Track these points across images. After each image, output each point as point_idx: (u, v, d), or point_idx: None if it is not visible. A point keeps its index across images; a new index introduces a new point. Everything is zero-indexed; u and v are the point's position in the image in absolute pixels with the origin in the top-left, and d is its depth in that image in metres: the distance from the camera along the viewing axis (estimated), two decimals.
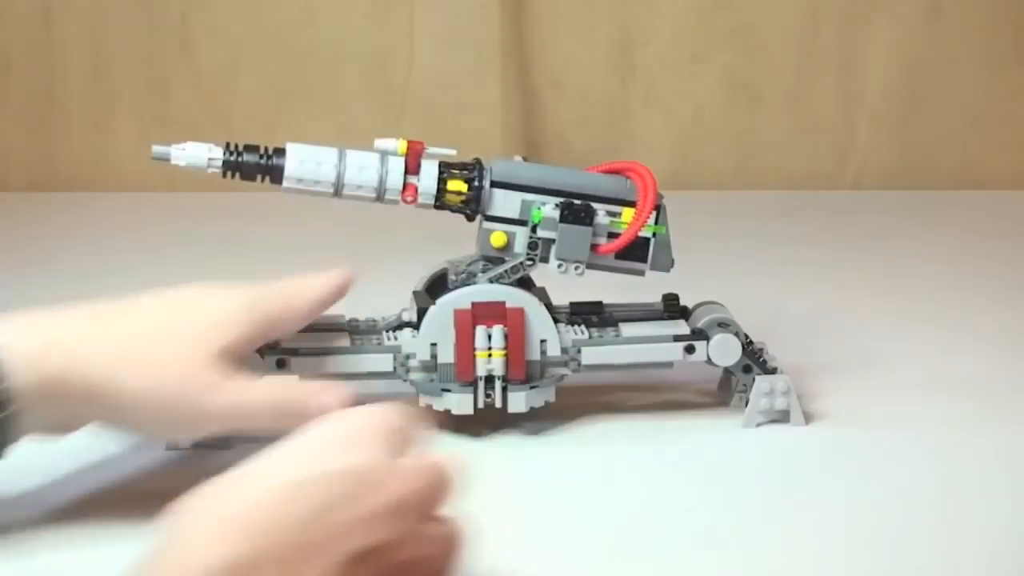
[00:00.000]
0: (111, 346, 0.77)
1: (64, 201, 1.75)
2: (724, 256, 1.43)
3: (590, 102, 1.84)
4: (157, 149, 0.90)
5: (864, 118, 1.86)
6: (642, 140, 1.82)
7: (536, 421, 0.94)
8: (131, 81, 1.81)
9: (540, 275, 0.93)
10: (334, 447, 0.59)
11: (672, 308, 0.97)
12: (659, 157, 1.76)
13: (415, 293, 0.95)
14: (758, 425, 0.94)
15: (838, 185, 1.87)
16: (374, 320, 0.95)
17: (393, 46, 1.81)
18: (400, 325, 0.93)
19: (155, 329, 0.78)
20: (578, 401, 0.98)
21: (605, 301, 0.98)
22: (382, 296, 0.99)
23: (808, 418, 0.95)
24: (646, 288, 0.97)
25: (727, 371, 0.97)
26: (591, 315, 0.96)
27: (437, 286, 0.94)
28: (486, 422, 0.93)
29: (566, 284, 0.93)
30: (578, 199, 0.90)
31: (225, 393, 0.78)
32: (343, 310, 0.95)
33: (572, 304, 0.97)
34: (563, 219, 0.90)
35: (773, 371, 0.95)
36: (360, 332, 0.93)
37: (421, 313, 0.91)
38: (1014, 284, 1.35)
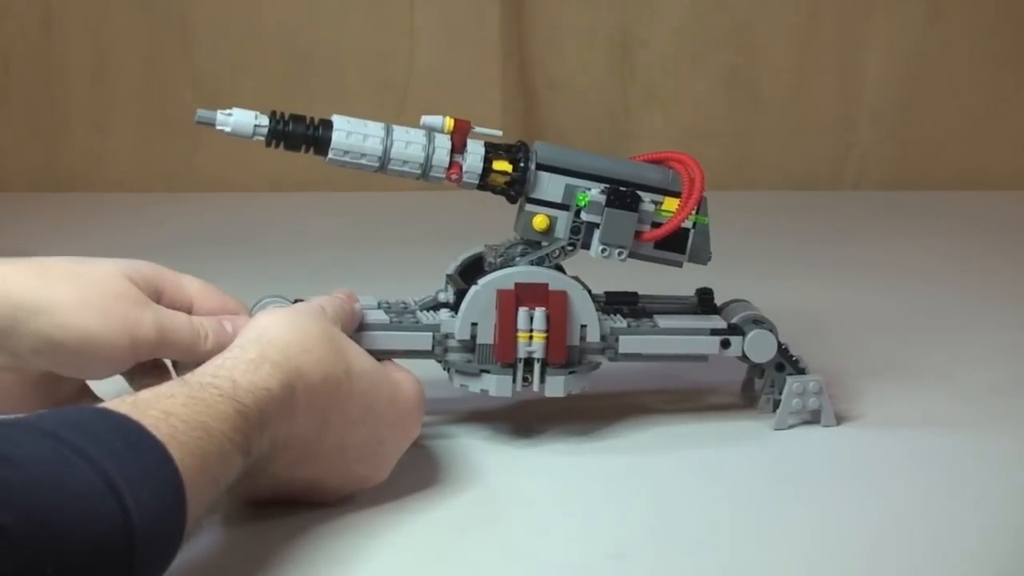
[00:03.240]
0: (33, 272, 0.77)
1: (64, 201, 1.75)
2: (723, 256, 1.43)
3: (590, 102, 1.84)
4: (202, 113, 0.86)
5: (864, 118, 1.87)
6: (642, 140, 1.82)
7: (559, 424, 0.93)
8: (131, 81, 1.81)
9: (573, 265, 0.92)
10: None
11: (706, 303, 0.97)
12: None
13: (449, 276, 0.94)
14: (790, 426, 0.93)
15: (838, 185, 1.87)
16: (404, 303, 0.93)
17: (393, 46, 1.81)
18: (436, 305, 0.92)
19: (70, 262, 0.79)
20: (606, 404, 0.97)
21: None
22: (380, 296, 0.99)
23: (839, 419, 0.94)
24: (646, 285, 0.97)
25: (751, 372, 0.96)
26: (624, 305, 0.95)
27: (470, 271, 0.93)
28: (518, 430, 0.92)
29: (583, 274, 0.92)
30: (622, 186, 0.90)
31: (147, 308, 0.79)
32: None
33: (607, 293, 0.96)
34: (609, 204, 0.89)
35: (803, 371, 0.93)
36: (393, 310, 0.91)
37: (460, 294, 0.90)
38: (1016, 284, 1.35)
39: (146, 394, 0.65)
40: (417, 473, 0.85)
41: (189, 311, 0.83)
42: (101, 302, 0.77)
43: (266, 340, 0.74)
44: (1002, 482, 0.87)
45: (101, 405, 0.62)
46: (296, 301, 0.87)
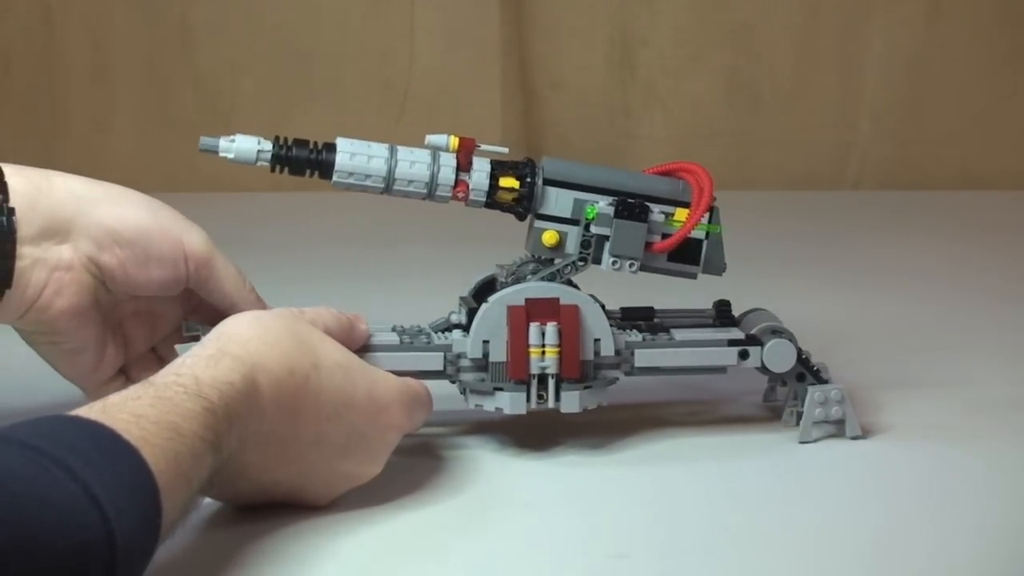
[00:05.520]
0: (92, 180, 0.89)
1: None
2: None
3: (590, 102, 1.85)
4: (205, 141, 0.87)
5: (864, 118, 1.87)
6: (642, 140, 1.82)
7: (583, 436, 0.92)
8: (131, 81, 1.81)
9: (586, 282, 0.91)
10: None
11: (724, 314, 0.95)
12: (659, 157, 1.76)
13: (463, 299, 0.94)
14: (816, 439, 0.91)
15: (838, 185, 1.87)
16: (419, 326, 0.93)
17: (393, 46, 1.81)
18: (449, 327, 0.92)
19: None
20: (622, 416, 0.96)
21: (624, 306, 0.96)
22: (381, 309, 0.98)
23: (865, 430, 0.92)
24: (660, 299, 0.96)
25: (772, 380, 0.95)
26: (640, 320, 0.94)
27: (483, 293, 0.92)
28: (534, 445, 0.91)
29: (599, 291, 0.91)
30: (631, 198, 0.89)
31: (197, 227, 0.87)
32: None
33: (623, 309, 0.95)
34: (618, 215, 0.88)
35: (825, 380, 0.92)
36: (407, 333, 0.91)
37: (471, 314, 0.89)
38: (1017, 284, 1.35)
39: (114, 398, 0.65)
40: (416, 476, 0.85)
41: None
42: (151, 204, 0.87)
43: (225, 336, 0.74)
44: None
45: (72, 412, 0.63)
46: None
